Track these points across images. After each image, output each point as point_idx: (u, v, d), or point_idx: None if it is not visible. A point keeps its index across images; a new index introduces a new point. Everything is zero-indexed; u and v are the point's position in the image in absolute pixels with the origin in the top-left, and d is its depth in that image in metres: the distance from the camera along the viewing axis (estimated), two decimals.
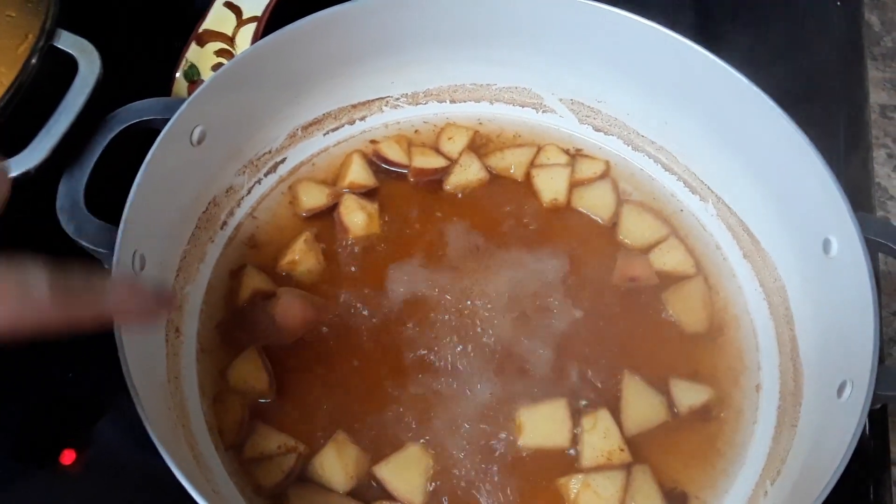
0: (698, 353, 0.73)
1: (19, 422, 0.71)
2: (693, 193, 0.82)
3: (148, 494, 0.67)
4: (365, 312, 0.73)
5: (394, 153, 0.82)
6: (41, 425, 0.71)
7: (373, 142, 0.83)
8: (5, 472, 0.69)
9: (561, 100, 0.86)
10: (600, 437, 0.66)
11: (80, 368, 0.72)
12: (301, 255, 0.74)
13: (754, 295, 0.77)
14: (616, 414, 0.68)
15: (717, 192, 0.81)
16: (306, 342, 0.71)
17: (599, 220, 0.80)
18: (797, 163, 0.69)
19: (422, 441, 0.66)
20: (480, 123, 0.86)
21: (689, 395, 0.69)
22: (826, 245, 0.67)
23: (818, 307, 0.69)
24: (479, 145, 0.85)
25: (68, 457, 0.69)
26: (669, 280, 0.77)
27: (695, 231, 0.81)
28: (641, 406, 0.68)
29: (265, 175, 0.80)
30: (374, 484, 0.65)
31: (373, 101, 0.85)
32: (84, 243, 0.61)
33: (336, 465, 0.64)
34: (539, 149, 0.84)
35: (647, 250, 0.78)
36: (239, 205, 0.78)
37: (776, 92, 0.71)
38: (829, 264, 0.67)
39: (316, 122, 0.82)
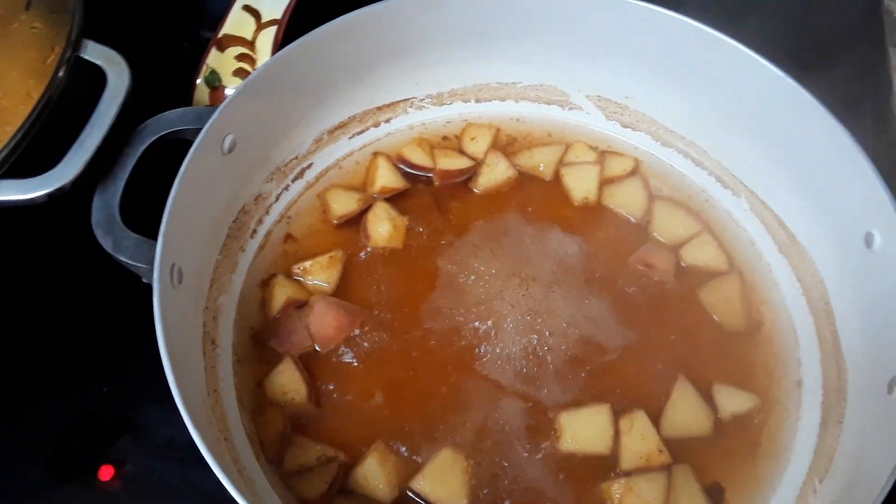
0: (738, 350, 0.73)
1: (56, 437, 0.70)
2: (725, 188, 0.82)
3: (190, 491, 0.66)
4: (397, 323, 0.72)
5: (417, 157, 0.81)
6: (78, 441, 0.70)
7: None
8: (43, 488, 0.68)
9: (587, 96, 0.85)
10: (637, 440, 0.66)
11: (114, 383, 0.72)
12: (315, 267, 0.74)
13: (792, 290, 0.76)
14: (655, 415, 0.67)
15: (750, 187, 0.80)
16: (342, 351, 0.70)
17: (632, 219, 0.79)
18: (835, 155, 0.68)
19: (454, 445, 0.65)
20: (506, 122, 0.85)
21: (733, 402, 0.69)
22: (868, 238, 0.67)
23: (860, 302, 0.69)
24: (506, 144, 0.84)
25: (106, 472, 0.68)
26: (702, 276, 0.76)
27: (728, 227, 0.80)
28: (687, 414, 0.67)
29: (292, 181, 0.79)
30: (417, 497, 0.64)
31: (397, 102, 0.84)
32: (123, 258, 0.60)
33: (379, 475, 0.64)
34: (567, 146, 0.83)
35: (680, 247, 0.78)
36: (268, 212, 0.77)
37: (800, 82, 0.70)
38: (871, 258, 0.66)
39: (341, 126, 0.81)
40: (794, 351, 0.73)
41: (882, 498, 0.52)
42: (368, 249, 0.76)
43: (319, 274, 0.73)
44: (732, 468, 0.67)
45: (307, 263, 0.74)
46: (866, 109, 0.95)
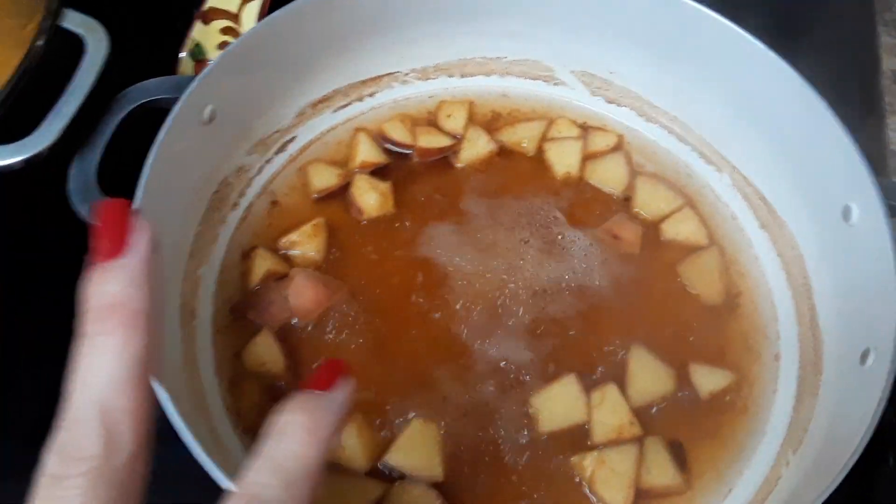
0: (716, 324, 0.73)
1: (36, 408, 0.70)
2: (708, 164, 0.82)
3: (168, 470, 0.67)
4: (380, 293, 0.72)
5: (398, 134, 0.81)
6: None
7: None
8: (26, 461, 0.68)
9: (572, 72, 0.85)
10: (609, 412, 0.66)
11: None
12: (302, 238, 0.74)
13: (772, 265, 0.76)
14: (623, 388, 0.68)
15: (732, 162, 0.80)
16: (322, 323, 0.70)
17: (613, 194, 0.79)
18: (815, 129, 0.68)
19: (427, 416, 0.65)
20: (490, 98, 0.85)
21: (710, 380, 0.69)
22: (846, 212, 0.67)
23: (837, 275, 0.69)
24: (490, 120, 0.84)
25: None
26: (682, 251, 0.76)
27: (710, 202, 0.80)
28: (648, 379, 0.68)
29: (275, 154, 0.79)
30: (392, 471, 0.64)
31: (381, 77, 0.84)
32: None
33: (356, 446, 0.64)
34: (550, 122, 0.83)
35: (661, 221, 0.78)
36: (250, 185, 0.77)
37: (786, 58, 0.70)
38: (848, 231, 0.67)
39: (325, 100, 0.81)
40: (772, 325, 0.73)
41: (849, 467, 0.52)
42: (364, 222, 0.76)
43: (306, 244, 0.73)
44: (707, 443, 0.67)
45: (293, 236, 0.74)
46: (854, 89, 0.95)
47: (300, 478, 0.38)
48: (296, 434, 0.39)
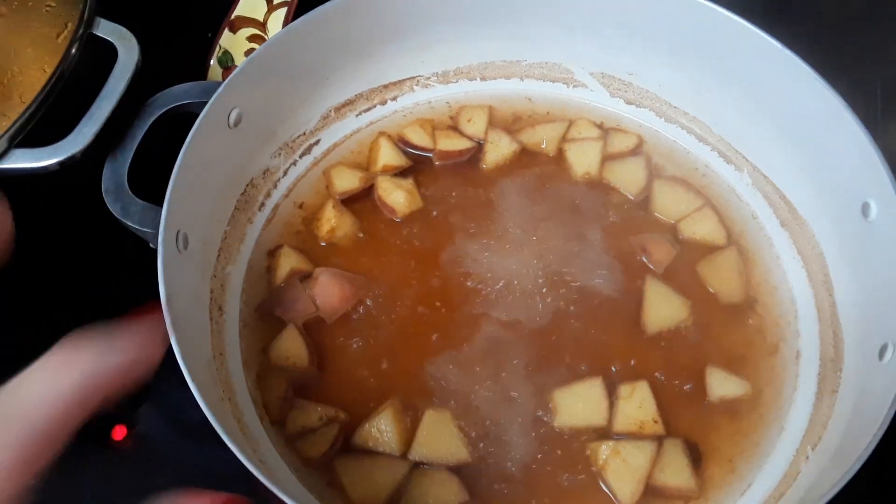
0: (736, 324, 0.73)
1: None
2: (728, 163, 0.82)
3: (196, 468, 0.69)
4: (405, 287, 0.74)
5: (418, 138, 0.83)
6: None
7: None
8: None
9: (591, 74, 0.86)
10: (635, 407, 0.67)
11: None
12: (336, 220, 0.76)
13: (792, 263, 0.76)
14: (655, 389, 0.68)
15: (752, 161, 0.80)
16: (346, 319, 0.72)
17: (630, 195, 0.80)
18: (834, 126, 0.69)
19: (445, 406, 0.67)
20: (510, 100, 0.86)
21: (724, 386, 0.69)
22: (865, 209, 0.67)
23: (857, 272, 0.69)
24: (511, 122, 0.85)
25: (119, 432, 0.71)
26: (699, 250, 0.76)
27: (730, 201, 0.81)
28: (664, 308, 0.71)
29: (300, 157, 0.81)
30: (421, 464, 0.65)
31: (403, 80, 0.85)
32: (130, 224, 0.62)
33: (391, 431, 0.65)
34: (570, 123, 0.84)
35: (680, 220, 0.78)
36: (276, 186, 0.79)
37: (807, 56, 0.71)
38: (868, 228, 0.67)
39: (348, 104, 0.83)
40: (792, 323, 0.73)
41: (863, 459, 0.52)
42: (398, 220, 0.77)
43: (342, 228, 0.76)
44: (725, 441, 0.68)
45: (325, 227, 0.76)
46: (876, 89, 0.94)
47: None
48: None
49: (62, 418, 0.40)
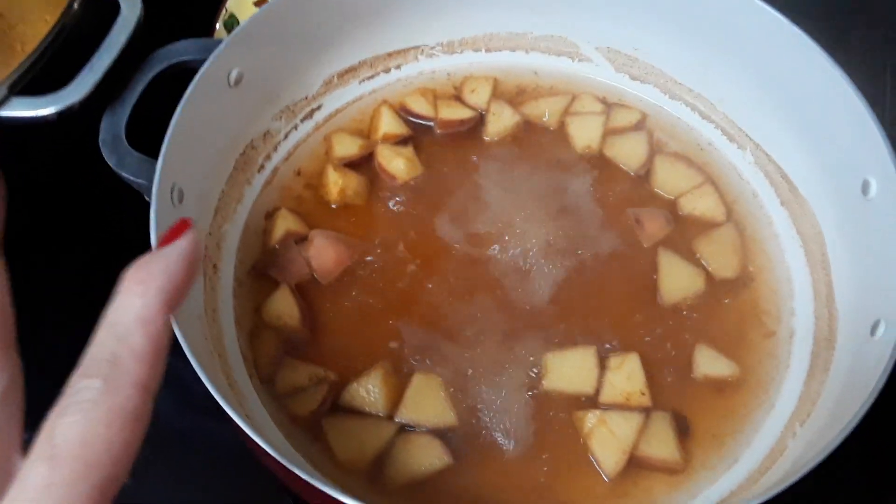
0: (731, 301, 0.73)
1: (65, 356, 0.74)
2: (731, 141, 0.81)
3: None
4: (400, 254, 0.74)
5: (419, 106, 0.82)
6: None
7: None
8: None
9: (597, 48, 0.85)
10: (623, 378, 0.66)
11: None
12: (343, 181, 0.76)
13: (791, 242, 0.75)
14: (645, 361, 0.68)
15: (755, 140, 0.80)
16: (340, 281, 0.72)
17: (630, 171, 0.80)
18: (837, 103, 0.68)
19: (424, 370, 0.67)
20: (515, 73, 0.86)
21: (713, 366, 0.69)
22: (865, 186, 0.66)
23: (855, 251, 0.68)
24: (515, 94, 0.85)
25: None
26: (697, 226, 0.76)
27: (731, 179, 0.80)
28: (680, 278, 0.72)
29: (301, 121, 0.81)
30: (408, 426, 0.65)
31: (408, 49, 0.85)
32: (125, 174, 0.63)
33: (379, 392, 0.65)
34: (574, 97, 0.84)
35: (679, 196, 0.78)
36: (276, 149, 0.79)
37: (815, 34, 0.70)
38: (867, 206, 0.66)
39: (351, 70, 0.83)
40: (788, 302, 0.73)
41: (847, 431, 0.52)
42: (398, 187, 0.78)
43: (350, 186, 0.76)
44: (714, 416, 0.67)
45: (332, 191, 0.76)
46: (886, 74, 0.93)
47: (132, 328, 0.38)
48: (128, 288, 0.39)
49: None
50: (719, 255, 0.74)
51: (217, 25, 0.88)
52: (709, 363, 0.69)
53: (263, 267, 0.73)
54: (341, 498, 0.49)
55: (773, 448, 0.65)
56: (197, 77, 0.66)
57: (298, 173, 0.79)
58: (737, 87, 0.79)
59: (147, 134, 0.67)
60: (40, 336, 0.72)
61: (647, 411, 0.66)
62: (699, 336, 0.71)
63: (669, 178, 0.79)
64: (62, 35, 0.65)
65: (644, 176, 0.79)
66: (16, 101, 0.61)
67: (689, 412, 0.67)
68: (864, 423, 0.53)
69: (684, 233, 0.76)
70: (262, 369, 0.68)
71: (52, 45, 0.64)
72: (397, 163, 0.78)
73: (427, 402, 0.65)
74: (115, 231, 0.75)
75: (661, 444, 0.64)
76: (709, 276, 0.73)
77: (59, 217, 0.76)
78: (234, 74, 0.71)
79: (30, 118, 0.61)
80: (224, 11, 0.88)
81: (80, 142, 0.65)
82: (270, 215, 0.76)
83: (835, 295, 0.69)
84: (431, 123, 0.82)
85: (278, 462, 0.51)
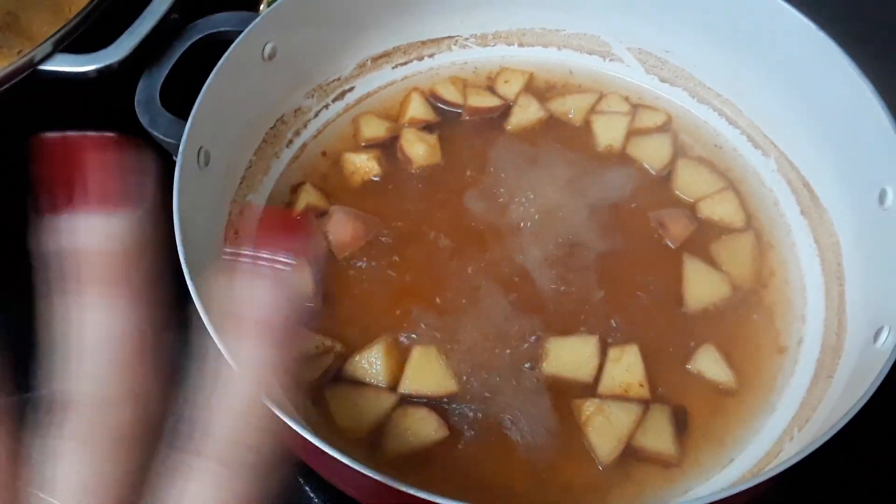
0: (743, 306, 0.72)
1: None
2: (756, 148, 0.81)
3: None
4: (416, 235, 0.75)
5: (449, 93, 0.84)
6: None
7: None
8: None
9: (629, 49, 0.86)
10: (622, 370, 0.67)
11: None
12: (365, 162, 0.78)
13: (807, 251, 0.75)
14: (646, 354, 0.68)
15: (780, 147, 0.80)
16: (357, 257, 0.74)
17: (651, 170, 0.80)
18: (861, 112, 0.68)
19: (423, 342, 0.68)
20: (546, 68, 0.87)
21: (712, 369, 0.68)
22: (882, 196, 0.66)
23: (869, 260, 0.68)
24: (544, 90, 0.86)
25: None
26: (716, 230, 0.76)
27: (753, 186, 0.80)
28: (704, 284, 0.72)
29: (332, 101, 0.83)
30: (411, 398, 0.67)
31: (442, 39, 0.87)
32: (155, 133, 0.66)
33: (382, 364, 0.67)
34: (601, 96, 0.85)
35: (700, 200, 0.78)
36: (306, 126, 0.82)
37: (842, 40, 0.70)
38: (883, 216, 0.66)
39: (385, 55, 0.85)
40: (800, 310, 0.72)
41: (835, 430, 0.52)
42: (413, 172, 0.79)
43: (369, 160, 0.78)
44: (716, 417, 0.67)
45: (348, 170, 0.78)
46: None
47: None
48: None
49: None
50: (735, 262, 0.74)
51: (261, 6, 0.91)
52: (709, 366, 0.69)
53: None
54: (336, 455, 0.50)
55: (769, 451, 0.65)
56: (231, 48, 0.69)
57: (324, 154, 0.81)
58: (764, 94, 0.79)
59: (183, 99, 0.70)
60: None
61: (646, 403, 0.66)
62: (707, 337, 0.70)
63: (691, 182, 0.79)
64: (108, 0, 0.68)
65: (665, 177, 0.80)
66: (60, 57, 0.65)
67: (690, 407, 0.67)
68: (858, 428, 0.53)
69: (701, 236, 0.76)
70: None
71: (98, 7, 0.67)
72: (418, 147, 0.79)
73: (427, 372, 0.66)
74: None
75: (658, 437, 0.64)
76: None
77: None
78: (268, 49, 0.73)
79: (72, 73, 0.65)
80: None
81: (117, 101, 0.68)
82: (295, 189, 0.78)
83: (846, 305, 0.69)
84: (459, 111, 0.84)
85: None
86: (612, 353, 0.68)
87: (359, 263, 0.74)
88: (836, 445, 0.52)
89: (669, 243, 0.75)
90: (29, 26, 0.74)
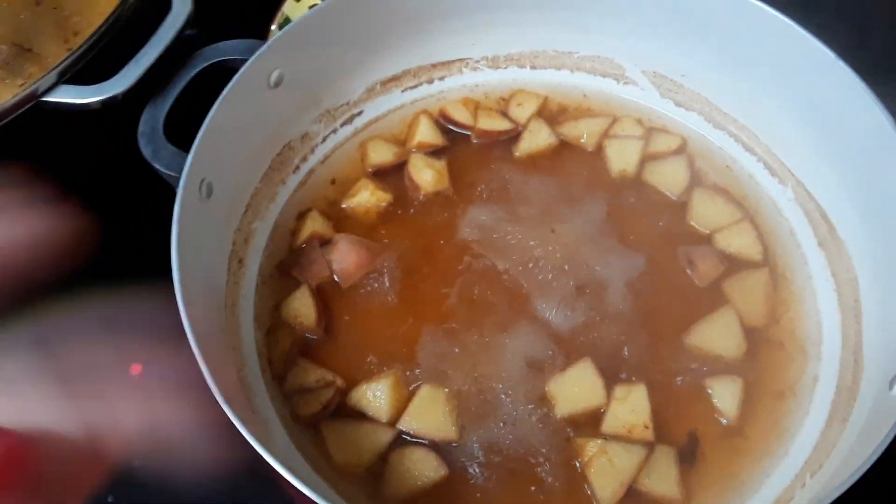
0: (757, 342, 0.70)
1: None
2: (772, 176, 0.79)
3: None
4: (420, 263, 0.74)
5: (460, 114, 0.83)
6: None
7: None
8: None
9: (643, 72, 0.84)
10: (627, 410, 0.65)
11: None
12: (372, 193, 0.77)
13: (824, 285, 0.73)
14: (653, 392, 0.66)
15: (797, 176, 0.77)
16: (361, 286, 0.73)
17: (670, 196, 0.78)
18: (879, 143, 0.65)
19: (432, 382, 0.67)
20: (559, 91, 0.86)
21: (723, 401, 0.67)
22: None
23: (888, 299, 0.65)
24: (556, 113, 0.85)
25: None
26: (733, 265, 0.74)
27: (770, 215, 0.78)
28: (720, 335, 0.70)
29: (341, 126, 0.83)
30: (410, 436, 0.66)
31: (453, 61, 0.86)
32: (158, 166, 0.65)
33: (385, 398, 0.66)
34: (614, 120, 0.83)
35: (716, 231, 0.76)
36: (313, 152, 0.81)
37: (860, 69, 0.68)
38: None
39: (395, 79, 0.84)
40: (816, 347, 0.70)
41: (847, 485, 0.50)
42: (421, 198, 0.78)
43: (369, 198, 0.77)
44: (726, 457, 0.65)
45: (353, 200, 0.77)
46: None
47: None
48: None
49: None
50: (749, 302, 0.72)
51: (272, 27, 0.90)
52: (721, 403, 0.67)
53: (286, 266, 0.74)
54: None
55: (779, 496, 0.63)
56: (236, 76, 0.68)
57: (333, 182, 0.80)
58: (782, 121, 0.77)
59: (187, 129, 0.69)
60: None
61: (650, 445, 0.64)
62: (719, 374, 0.69)
63: (707, 212, 0.77)
64: (114, 28, 0.68)
65: (680, 206, 0.78)
66: (64, 88, 0.65)
67: (698, 446, 0.65)
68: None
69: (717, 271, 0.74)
70: (275, 365, 0.70)
71: (104, 37, 0.67)
72: (426, 174, 0.78)
73: (430, 414, 0.65)
74: (140, 218, 0.78)
75: (662, 480, 0.63)
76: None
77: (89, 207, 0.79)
78: (274, 76, 0.73)
79: (75, 105, 0.64)
80: (280, 14, 0.90)
81: (121, 132, 0.68)
82: (301, 216, 0.78)
83: (863, 344, 0.67)
84: (468, 133, 0.83)
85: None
86: (619, 391, 0.66)
87: (362, 293, 0.73)
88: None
89: (696, 281, 0.73)
90: (39, 52, 0.74)
